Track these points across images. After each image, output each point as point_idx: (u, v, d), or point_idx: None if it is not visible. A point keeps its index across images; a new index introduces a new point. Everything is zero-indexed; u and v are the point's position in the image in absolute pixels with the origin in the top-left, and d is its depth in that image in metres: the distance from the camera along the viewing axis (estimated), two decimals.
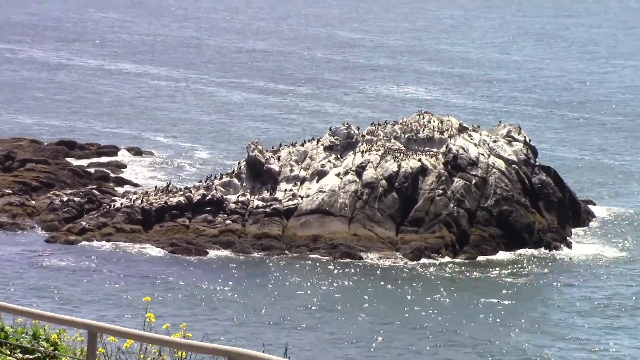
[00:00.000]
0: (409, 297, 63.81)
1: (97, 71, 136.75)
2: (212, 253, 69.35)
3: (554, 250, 71.53)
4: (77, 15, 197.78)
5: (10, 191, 77.20)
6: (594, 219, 78.03)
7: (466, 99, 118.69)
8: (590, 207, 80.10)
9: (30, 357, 19.78)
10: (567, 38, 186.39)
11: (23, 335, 20.23)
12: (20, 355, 19.72)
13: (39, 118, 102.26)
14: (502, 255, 70.70)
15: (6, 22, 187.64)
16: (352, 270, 67.35)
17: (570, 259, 70.86)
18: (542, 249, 71.48)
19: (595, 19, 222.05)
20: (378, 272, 67.12)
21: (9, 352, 19.76)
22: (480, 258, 70.21)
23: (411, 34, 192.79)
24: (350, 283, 65.87)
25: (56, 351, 19.82)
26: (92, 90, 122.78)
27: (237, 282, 65.70)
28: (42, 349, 19.90)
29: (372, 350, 55.92)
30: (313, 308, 61.75)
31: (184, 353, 16.41)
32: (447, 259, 69.81)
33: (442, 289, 64.77)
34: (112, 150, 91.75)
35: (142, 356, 17.16)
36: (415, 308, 61.74)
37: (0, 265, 66.29)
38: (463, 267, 68.80)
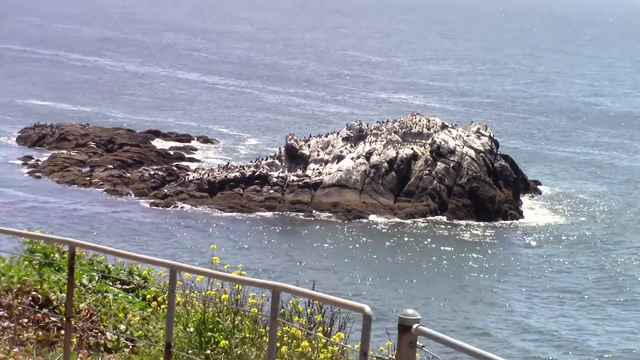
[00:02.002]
0: (402, 246, 63.27)
1: (172, 79, 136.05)
2: (259, 214, 68.52)
3: (509, 216, 70.94)
4: (157, 37, 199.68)
5: (112, 166, 77.27)
6: (540, 195, 77.38)
7: (446, 104, 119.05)
8: (538, 186, 79.13)
9: (127, 287, 20.03)
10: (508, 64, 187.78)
11: (121, 271, 20.53)
12: (120, 286, 19.92)
13: (132, 113, 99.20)
14: (471, 219, 69.47)
15: (105, 40, 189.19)
16: (361, 228, 67.15)
17: (519, 222, 69.90)
18: (501, 215, 70.74)
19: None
20: (380, 229, 66.90)
21: (111, 284, 19.65)
22: (455, 221, 69.38)
23: (408, 56, 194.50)
24: (360, 236, 65.56)
25: (146, 283, 19.94)
26: (170, 93, 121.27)
27: (278, 234, 65.34)
28: (136, 281, 20.34)
29: (377, 280, 54.83)
30: (332, 253, 61.20)
31: (240, 286, 15.84)
32: (430, 220, 69.16)
33: (426, 241, 64.93)
34: (187, 138, 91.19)
35: (209, 288, 16.31)
36: (408, 254, 61.47)
37: (104, 220, 65.64)
38: (442, 226, 68.54)
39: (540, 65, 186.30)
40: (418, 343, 8.95)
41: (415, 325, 8.80)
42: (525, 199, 75.64)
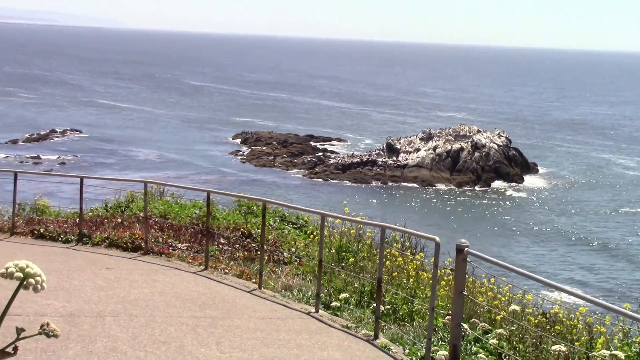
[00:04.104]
0: (454, 201, 64.95)
1: (319, 105, 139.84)
2: (373, 184, 70.10)
3: (518, 183, 72.20)
4: (310, 82, 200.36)
5: (286, 156, 79.87)
6: (537, 173, 77.88)
7: (479, 118, 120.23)
8: (535, 167, 79.35)
9: (295, 226, 20.30)
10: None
11: (292, 217, 21.04)
12: (291, 225, 20.38)
13: (298, 125, 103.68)
14: (496, 185, 71.20)
15: (276, 83, 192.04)
16: (430, 191, 68.14)
17: (522, 185, 71.86)
18: (512, 183, 71.90)
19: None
20: (440, 192, 67.99)
21: (286, 224, 20.26)
22: (485, 187, 70.30)
23: (455, 89, 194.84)
24: (430, 196, 66.02)
25: (306, 223, 20.34)
26: (317, 113, 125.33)
27: (382, 196, 66.23)
28: (301, 222, 20.47)
29: (442, 221, 56.76)
30: (414, 206, 62.58)
31: (361, 225, 16.20)
32: (471, 187, 70.26)
33: (468, 198, 66.28)
34: (328, 138, 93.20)
35: (343, 226, 16.69)
36: (458, 207, 63.03)
37: (280, 185, 67.79)
38: (478, 189, 69.72)
39: (534, 95, 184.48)
40: (467, 259, 9.38)
41: (466, 249, 9.26)
42: (526, 176, 74.54)
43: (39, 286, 2.96)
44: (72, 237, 18.67)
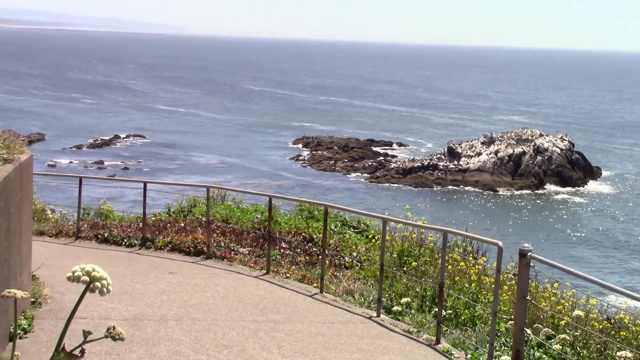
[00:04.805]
0: (518, 205, 64.39)
1: (379, 109, 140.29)
2: (435, 188, 69.52)
3: (581, 187, 71.70)
4: (371, 85, 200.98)
5: (346, 160, 79.33)
6: (601, 177, 76.78)
7: (540, 122, 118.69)
8: (599, 171, 78.25)
9: (357, 230, 20.46)
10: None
11: (353, 221, 20.78)
12: (352, 230, 20.40)
13: (357, 129, 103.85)
14: (558, 189, 70.40)
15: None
16: (492, 195, 67.78)
17: (587, 193, 70.64)
18: (575, 187, 71.21)
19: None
20: (502, 196, 67.55)
21: (347, 228, 20.37)
22: (547, 192, 70.05)
23: (518, 94, 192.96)
24: (491, 200, 66.05)
25: (368, 228, 20.55)
26: (377, 118, 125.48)
27: (442, 200, 65.71)
28: (362, 226, 20.81)
29: (504, 226, 56.35)
30: (475, 210, 62.02)
31: (423, 230, 16.28)
32: (534, 191, 69.68)
33: (531, 202, 65.65)
34: (389, 142, 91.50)
35: (405, 231, 16.52)
36: (522, 210, 62.58)
37: (339, 188, 67.65)
38: (541, 194, 69.07)
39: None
40: (531, 264, 9.33)
41: (529, 254, 9.20)
42: (590, 180, 73.76)
43: (105, 289, 2.97)
44: (136, 242, 18.98)
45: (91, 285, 3.02)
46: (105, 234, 19.41)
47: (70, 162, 74.28)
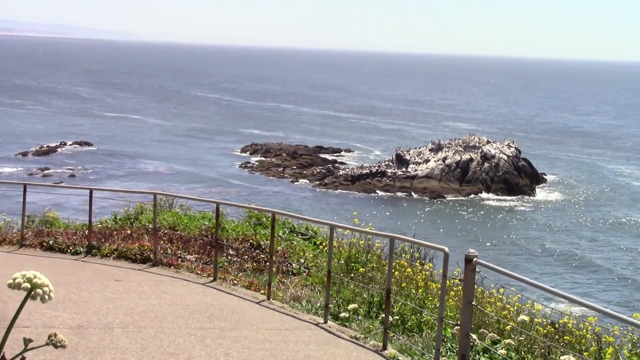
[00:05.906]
0: (464, 212, 64.38)
1: (329, 117, 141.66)
2: (380, 193, 69.89)
3: (527, 193, 72.00)
4: (320, 93, 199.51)
5: (295, 167, 79.83)
6: (545, 181, 77.63)
7: (488, 129, 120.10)
8: (544, 176, 79.22)
9: (304, 237, 20.41)
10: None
11: (301, 228, 20.98)
12: (300, 236, 20.42)
13: (306, 136, 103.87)
14: (504, 196, 70.66)
15: (287, 93, 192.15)
16: (439, 202, 67.93)
17: (533, 199, 70.94)
18: (521, 194, 71.70)
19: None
20: (450, 203, 67.71)
21: (295, 235, 20.24)
22: (495, 197, 70.37)
23: (466, 102, 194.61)
24: (439, 207, 66.09)
25: (315, 234, 20.49)
26: (325, 125, 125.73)
27: (391, 206, 65.67)
28: (310, 233, 20.66)
29: (449, 232, 56.00)
30: (423, 217, 61.67)
31: (370, 236, 16.21)
32: (481, 197, 70.16)
33: (478, 209, 65.93)
34: (337, 149, 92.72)
35: (352, 237, 16.57)
36: (468, 216, 62.70)
37: (284, 198, 66.76)
38: (488, 200, 69.34)
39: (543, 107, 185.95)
40: (476, 269, 9.38)
41: (475, 259, 9.25)
42: (536, 186, 74.10)
43: (47, 296, 2.95)
44: (81, 249, 18.81)
45: (32, 292, 2.97)
46: (51, 242, 19.20)
47: (16, 169, 73.49)
